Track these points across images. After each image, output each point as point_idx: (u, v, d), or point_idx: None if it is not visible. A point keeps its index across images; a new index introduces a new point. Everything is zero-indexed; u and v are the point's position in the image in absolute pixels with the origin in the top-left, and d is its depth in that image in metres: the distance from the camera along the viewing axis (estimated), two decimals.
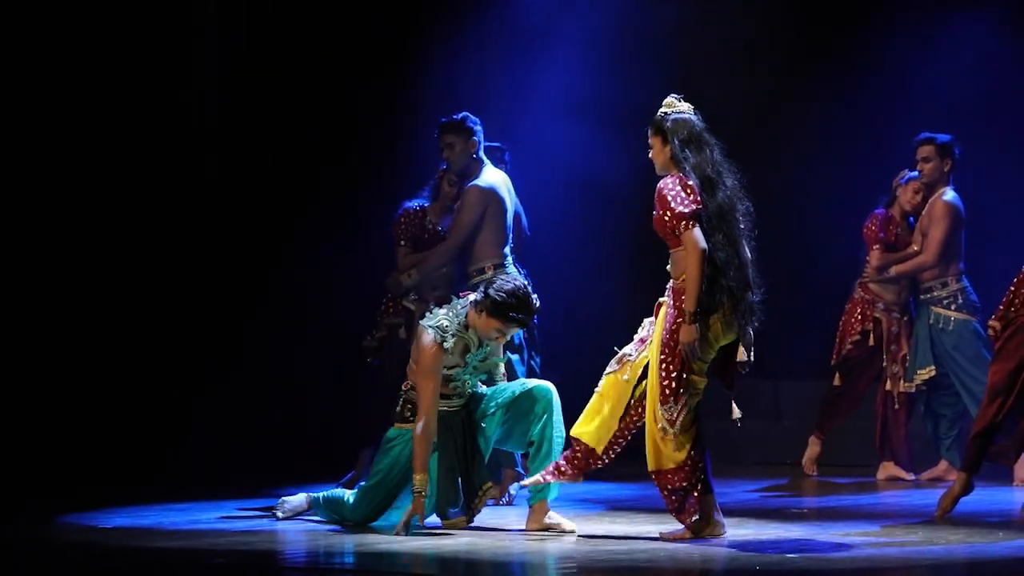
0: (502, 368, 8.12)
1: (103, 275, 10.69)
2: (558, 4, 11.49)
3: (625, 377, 7.40)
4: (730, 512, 7.67)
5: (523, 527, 7.75)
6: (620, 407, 7.42)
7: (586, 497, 9.10)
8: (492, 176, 9.15)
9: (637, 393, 7.40)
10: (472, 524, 7.83)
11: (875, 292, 10.26)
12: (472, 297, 7.82)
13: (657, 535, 7.44)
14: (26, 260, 10.48)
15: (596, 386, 7.50)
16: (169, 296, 10.98)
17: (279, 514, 8.12)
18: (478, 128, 9.13)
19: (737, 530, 7.51)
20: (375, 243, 10.11)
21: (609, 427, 7.44)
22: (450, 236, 9.23)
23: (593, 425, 7.46)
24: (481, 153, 9.18)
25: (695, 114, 7.40)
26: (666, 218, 7.19)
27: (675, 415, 7.23)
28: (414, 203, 9.55)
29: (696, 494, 7.28)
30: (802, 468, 10.38)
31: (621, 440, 7.48)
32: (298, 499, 8.18)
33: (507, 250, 9.15)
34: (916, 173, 10.13)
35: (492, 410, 7.84)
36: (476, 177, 9.12)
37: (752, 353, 7.31)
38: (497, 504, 8.80)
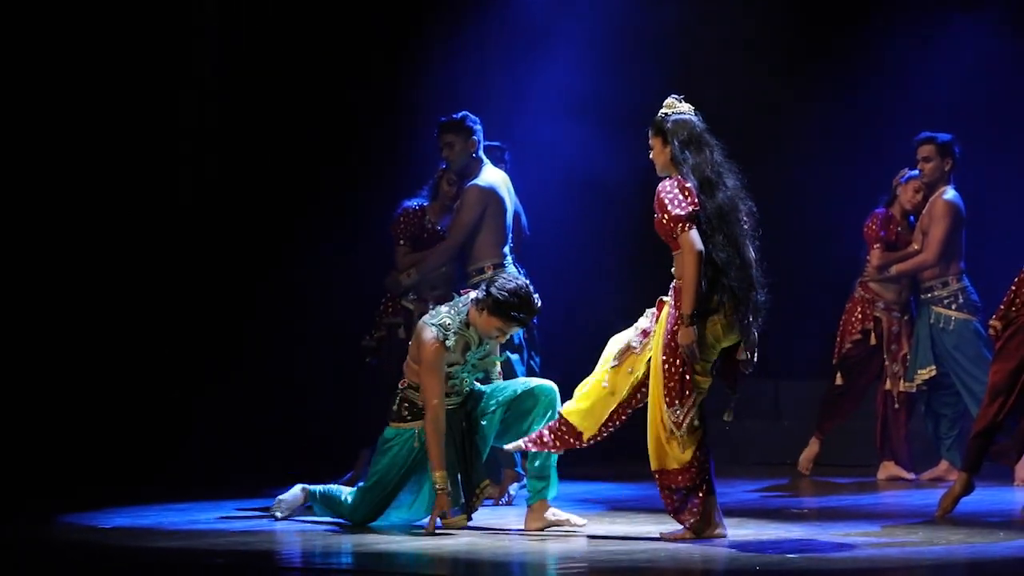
0: (498, 367, 8.12)
1: (103, 275, 10.70)
2: (558, 4, 11.48)
3: (629, 370, 7.40)
4: (730, 512, 7.67)
5: (523, 527, 7.74)
6: (615, 401, 7.41)
7: (586, 497, 9.10)
8: (492, 175, 9.14)
9: (633, 387, 7.39)
10: (471, 523, 7.83)
11: (875, 291, 10.26)
12: (473, 295, 7.82)
13: (657, 535, 7.43)
14: (27, 260, 10.48)
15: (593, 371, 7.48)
16: (169, 296, 10.98)
17: (278, 514, 8.11)
18: (478, 127, 9.12)
19: (737, 530, 7.50)
20: (374, 243, 10.10)
21: (599, 418, 7.44)
22: (449, 236, 9.22)
23: (585, 411, 7.45)
24: (481, 152, 9.18)
25: (696, 115, 7.40)
26: (663, 220, 7.19)
27: (681, 417, 7.23)
28: (413, 202, 9.55)
29: (700, 495, 7.27)
30: (797, 466, 10.38)
31: (610, 429, 7.49)
32: (293, 493, 8.16)
33: (507, 250, 9.14)
34: (916, 172, 10.13)
35: (492, 408, 7.84)
36: (476, 176, 9.12)
37: (756, 353, 7.30)
38: (497, 504, 8.79)
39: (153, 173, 10.96)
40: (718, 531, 7.33)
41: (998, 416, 8.03)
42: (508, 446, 7.76)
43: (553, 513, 7.73)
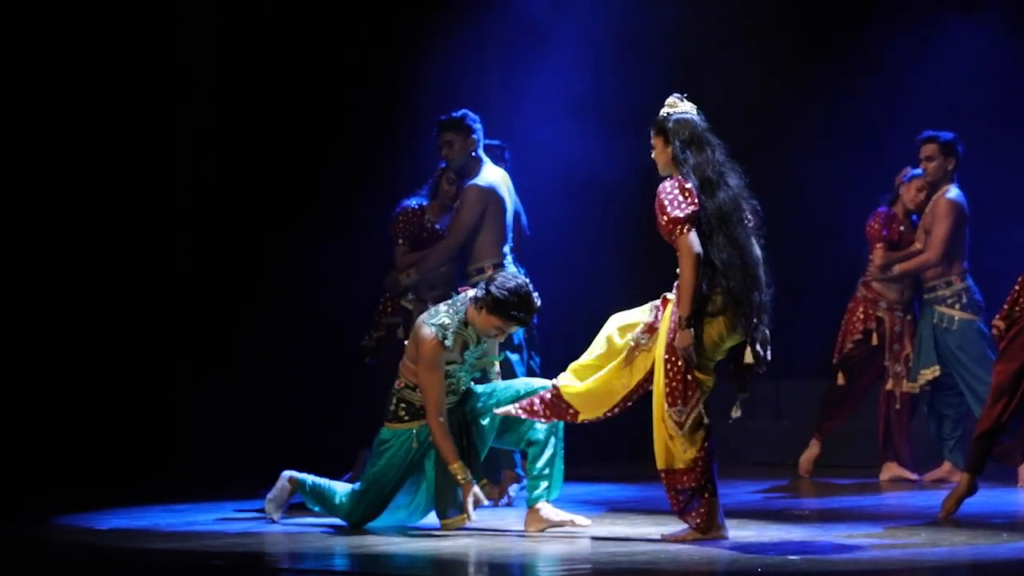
0: (497, 367, 8.09)
1: (102, 275, 10.70)
2: (558, 3, 11.47)
3: (632, 366, 7.38)
4: (732, 513, 7.64)
5: (523, 528, 7.72)
6: (617, 396, 7.40)
7: (586, 498, 9.09)
8: (492, 175, 9.12)
9: (637, 383, 7.37)
10: (470, 524, 7.80)
11: (878, 291, 10.23)
12: (471, 293, 7.79)
13: (658, 536, 7.41)
14: (25, 260, 10.48)
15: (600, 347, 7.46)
16: (167, 296, 10.97)
17: (274, 516, 8.07)
18: (477, 126, 9.10)
19: (739, 531, 7.48)
20: (374, 242, 10.08)
21: (599, 406, 7.43)
22: (449, 235, 9.20)
23: (585, 394, 7.43)
24: (480, 151, 9.15)
25: (698, 114, 7.37)
26: (663, 222, 7.17)
27: (684, 417, 7.21)
28: (412, 202, 9.53)
29: (706, 495, 7.25)
30: (798, 467, 10.36)
31: (607, 416, 7.48)
32: (280, 486, 8.06)
33: (507, 249, 9.12)
34: (919, 171, 10.11)
35: (492, 407, 7.81)
36: (475, 175, 9.09)
37: (769, 351, 7.27)
38: (497, 505, 8.77)
39: (153, 173, 10.97)
40: (720, 532, 7.31)
41: (1001, 417, 8.00)
42: (498, 410, 7.74)
43: (555, 514, 7.71)
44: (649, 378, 7.34)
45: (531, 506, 7.74)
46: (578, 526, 7.68)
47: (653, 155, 7.40)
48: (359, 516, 7.89)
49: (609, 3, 11.46)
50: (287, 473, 8.09)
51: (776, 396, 11.49)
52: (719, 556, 6.97)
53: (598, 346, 7.46)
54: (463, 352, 7.79)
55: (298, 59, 11.31)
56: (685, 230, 7.12)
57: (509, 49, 11.62)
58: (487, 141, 9.26)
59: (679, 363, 7.19)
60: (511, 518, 8.15)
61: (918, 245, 10.10)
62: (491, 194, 9.07)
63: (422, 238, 9.44)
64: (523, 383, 7.90)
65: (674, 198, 7.18)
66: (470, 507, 7.63)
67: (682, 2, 11.45)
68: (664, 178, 7.33)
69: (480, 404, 7.86)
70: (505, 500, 8.85)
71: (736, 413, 7.38)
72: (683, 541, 7.27)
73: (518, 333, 8.94)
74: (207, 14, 11.20)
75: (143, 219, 10.88)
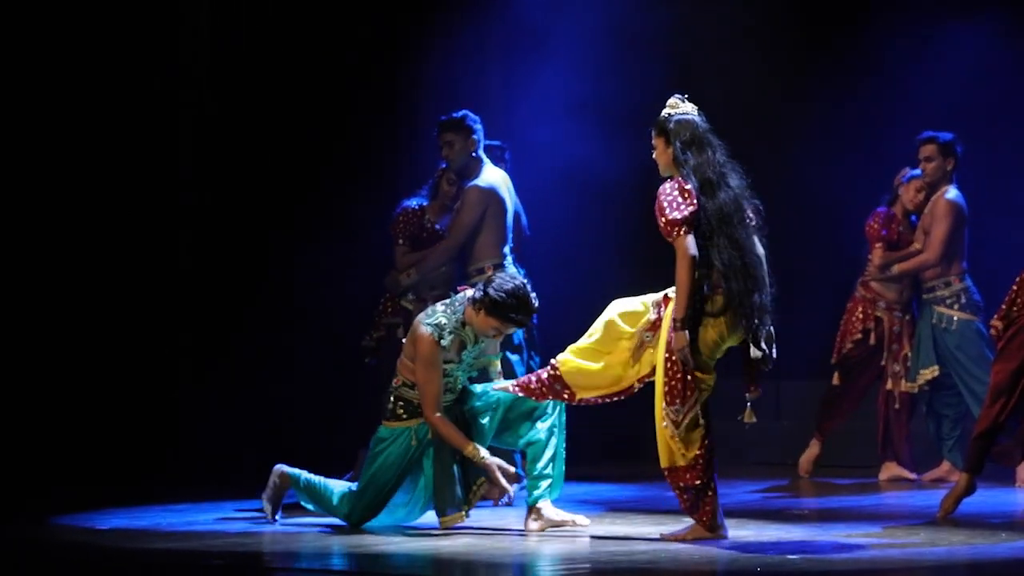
0: (498, 366, 8.10)
1: (102, 275, 10.69)
2: (558, 3, 11.47)
3: (636, 361, 7.41)
4: (731, 513, 7.65)
5: (523, 527, 7.72)
6: (617, 388, 7.45)
7: (586, 498, 9.09)
8: (492, 175, 9.12)
9: (638, 378, 7.40)
10: (469, 523, 7.82)
11: (877, 291, 10.24)
12: (470, 293, 7.80)
13: (658, 536, 7.42)
14: (25, 260, 10.48)
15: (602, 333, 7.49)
16: (168, 296, 10.97)
17: (272, 515, 8.06)
18: (478, 126, 9.11)
19: (738, 531, 7.49)
20: (374, 242, 10.09)
21: (596, 387, 7.48)
22: (450, 236, 9.21)
23: (584, 377, 7.47)
24: (481, 152, 9.16)
25: (699, 115, 7.38)
26: (661, 224, 7.19)
27: (680, 417, 7.22)
28: (413, 202, 9.54)
29: (709, 493, 7.26)
30: (798, 467, 10.36)
31: (604, 402, 7.54)
32: (272, 484, 8.03)
33: (507, 250, 9.13)
34: (918, 171, 10.12)
35: (493, 407, 7.82)
36: (476, 176, 9.10)
37: (774, 349, 7.29)
38: (497, 504, 8.77)
39: (153, 172, 10.96)
40: (719, 532, 7.32)
41: (1000, 417, 8.02)
42: (496, 385, 7.80)
43: (556, 513, 7.71)
44: (653, 372, 7.38)
45: (531, 506, 7.74)
46: (578, 526, 7.69)
47: (654, 155, 7.42)
48: (358, 516, 7.89)
49: (609, 3, 11.46)
50: (278, 467, 8.06)
51: (776, 396, 11.49)
52: (718, 555, 6.98)
53: (598, 330, 7.49)
54: (460, 352, 7.80)
55: (298, 59, 11.31)
56: (682, 232, 7.14)
57: (509, 49, 11.63)
58: (487, 142, 9.27)
59: (679, 362, 7.21)
60: (511, 518, 8.16)
61: (917, 245, 10.11)
62: (492, 195, 9.08)
63: (422, 238, 9.45)
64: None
65: (673, 199, 7.20)
66: (503, 483, 7.61)
67: (682, 2, 11.45)
68: (665, 179, 7.35)
69: (478, 403, 7.86)
70: (505, 500, 8.84)
71: (751, 419, 7.40)
72: (682, 540, 7.29)
73: (518, 333, 8.95)
74: (207, 14, 11.20)
75: (143, 219, 10.88)
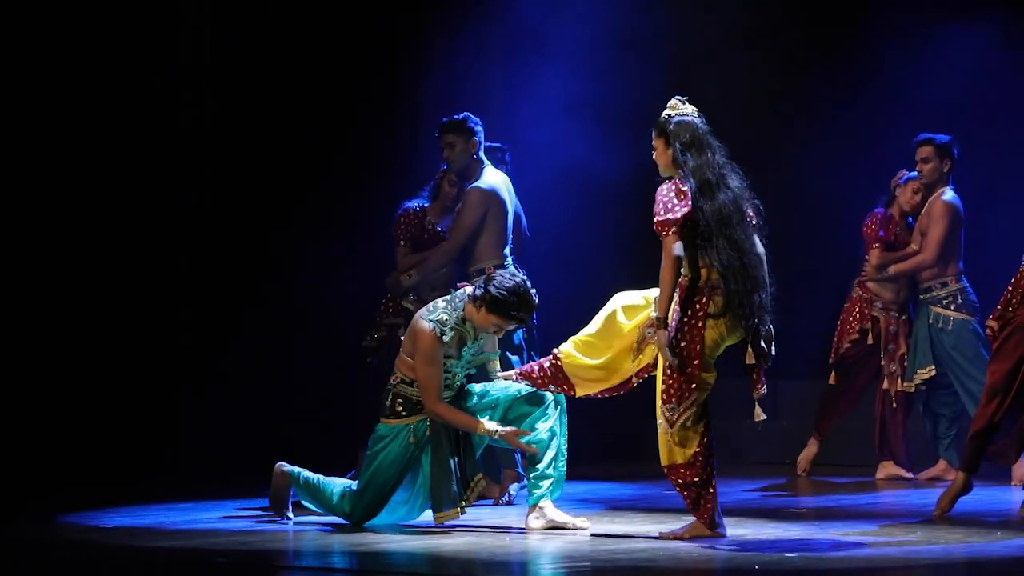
0: (497, 365, 8.13)
1: (103, 275, 10.70)
2: (558, 5, 11.49)
3: (638, 356, 7.46)
4: (729, 512, 7.68)
5: (523, 527, 7.75)
6: (620, 377, 7.54)
7: (585, 497, 9.11)
8: (493, 177, 9.15)
9: (636, 372, 7.45)
10: (470, 522, 7.85)
11: (873, 291, 10.28)
12: (470, 290, 7.83)
13: (656, 535, 7.44)
14: (26, 260, 10.49)
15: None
16: (169, 296, 10.98)
17: (281, 515, 8.08)
18: (479, 128, 9.13)
19: (736, 529, 7.52)
20: (375, 243, 10.11)
21: (597, 382, 7.58)
22: (451, 237, 9.24)
23: (587, 366, 7.56)
24: (482, 154, 9.19)
25: (699, 116, 7.43)
26: (654, 223, 7.24)
27: (675, 416, 7.26)
28: (414, 203, 9.56)
29: (711, 490, 7.30)
30: (796, 466, 10.39)
31: (603, 396, 7.63)
32: (275, 485, 8.03)
33: (507, 251, 9.16)
34: (915, 173, 10.15)
35: (492, 405, 7.85)
36: (477, 178, 9.12)
37: (773, 346, 7.34)
38: (497, 504, 8.81)
39: (153, 173, 10.96)
40: (717, 531, 7.35)
41: (996, 416, 8.05)
42: (500, 374, 7.89)
43: (557, 514, 7.74)
44: (653, 367, 7.44)
45: (533, 505, 7.77)
46: (579, 529, 7.72)
47: (654, 157, 7.46)
48: (359, 515, 7.89)
49: (609, 4, 11.48)
50: (278, 466, 8.07)
51: (774, 396, 11.49)
52: (717, 553, 7.00)
53: (599, 323, 7.55)
54: (460, 348, 7.83)
55: (299, 59, 11.32)
56: (671, 233, 7.20)
57: (509, 50, 11.63)
58: (488, 143, 9.30)
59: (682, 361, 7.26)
60: (512, 516, 8.19)
61: (914, 247, 10.14)
62: (493, 196, 9.11)
63: (423, 239, 9.48)
64: (523, 384, 7.92)
65: (668, 200, 7.26)
66: (526, 446, 7.65)
67: (682, 3, 11.46)
68: (664, 179, 7.40)
69: (477, 403, 7.87)
70: (506, 499, 8.88)
71: (760, 417, 7.46)
72: (681, 538, 7.32)
73: (518, 334, 8.99)
74: (207, 14, 11.21)
75: (143, 219, 10.88)
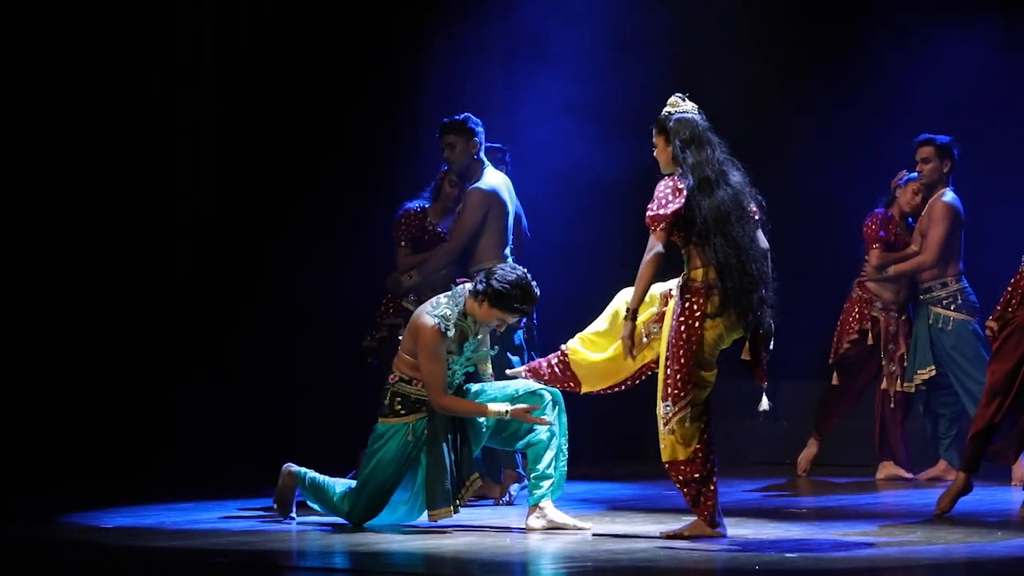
0: (490, 367, 8.13)
1: (103, 274, 10.71)
2: (558, 5, 11.49)
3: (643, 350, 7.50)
4: (729, 512, 7.69)
5: (523, 527, 7.76)
6: (624, 373, 7.55)
7: (586, 497, 9.12)
8: (493, 178, 9.16)
9: (639, 368, 7.49)
10: (470, 522, 7.85)
11: (873, 291, 10.28)
12: (470, 286, 7.84)
13: (657, 534, 7.45)
14: (26, 260, 10.49)
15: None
16: (169, 296, 10.99)
17: (285, 514, 8.08)
18: (480, 129, 9.14)
19: (736, 530, 7.52)
20: (375, 243, 10.12)
21: (603, 379, 7.61)
22: (451, 238, 9.24)
23: (593, 363, 7.59)
24: (482, 154, 9.19)
25: (699, 113, 7.44)
26: (647, 216, 7.25)
27: (670, 414, 7.27)
28: (415, 204, 9.56)
29: (712, 487, 7.31)
30: (796, 466, 10.40)
31: (608, 393, 7.67)
32: (282, 484, 8.04)
33: (507, 251, 9.16)
34: (915, 174, 10.16)
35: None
36: (477, 179, 9.13)
37: (771, 341, 7.35)
38: (497, 504, 8.81)
39: (153, 173, 10.97)
40: (718, 529, 7.36)
41: (995, 416, 8.06)
42: (509, 371, 7.96)
43: (558, 515, 7.74)
44: (652, 364, 7.45)
45: (533, 505, 7.78)
46: (580, 530, 7.72)
47: (655, 153, 7.47)
48: (359, 514, 7.88)
49: (609, 4, 11.48)
50: (286, 466, 8.07)
51: (774, 396, 11.47)
52: (717, 553, 7.00)
53: (605, 319, 7.57)
54: (461, 345, 7.83)
55: (299, 60, 11.32)
56: (659, 229, 7.23)
57: (509, 51, 11.63)
58: (488, 144, 9.31)
59: (675, 361, 7.26)
60: (512, 517, 8.19)
61: (914, 247, 10.15)
62: (493, 197, 9.11)
63: (424, 240, 9.48)
64: (521, 383, 7.92)
65: (664, 196, 7.29)
66: (539, 419, 7.67)
67: (682, 3, 11.47)
68: (665, 176, 7.42)
69: (480, 400, 7.88)
70: (506, 499, 8.89)
71: (765, 406, 7.48)
72: (681, 538, 7.32)
73: (518, 334, 8.99)
74: (207, 14, 11.22)
75: (143, 219, 10.89)
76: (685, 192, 7.24)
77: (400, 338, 9.26)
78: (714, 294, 7.26)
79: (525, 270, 7.83)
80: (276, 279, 11.17)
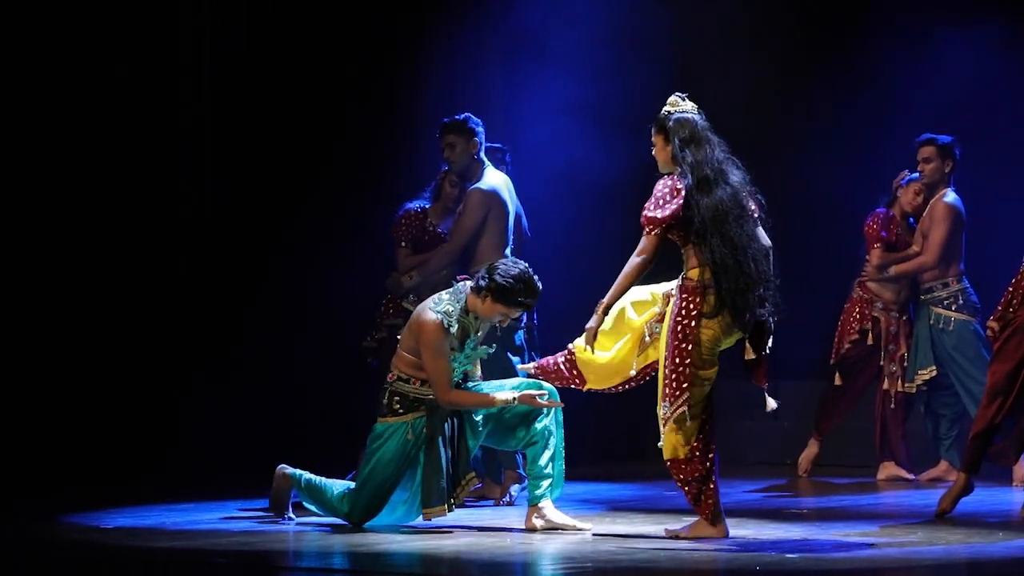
0: (479, 371, 8.12)
1: (103, 275, 10.70)
2: (558, 5, 11.49)
3: (645, 350, 7.50)
4: (730, 512, 7.68)
5: (524, 527, 7.75)
6: (628, 371, 7.57)
7: (586, 497, 9.12)
8: (494, 178, 9.16)
9: (642, 368, 7.50)
10: (470, 523, 7.85)
11: (874, 291, 10.28)
12: (471, 282, 7.84)
13: (658, 534, 7.45)
14: (26, 261, 10.49)
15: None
16: (170, 296, 10.98)
17: (282, 516, 8.08)
18: (480, 129, 9.14)
19: (737, 530, 7.53)
20: (375, 244, 10.11)
21: (609, 377, 7.63)
22: (452, 239, 9.24)
23: (598, 362, 7.60)
24: (482, 154, 9.19)
25: (698, 113, 7.43)
26: (642, 216, 7.25)
27: (668, 413, 7.27)
28: (415, 204, 9.57)
29: (712, 486, 7.30)
30: (797, 467, 10.40)
31: (612, 392, 7.69)
32: (276, 487, 8.04)
33: (508, 252, 9.16)
34: (916, 174, 10.16)
35: None
36: (478, 179, 9.13)
37: (770, 339, 7.35)
38: (498, 504, 8.81)
39: (152, 173, 10.96)
40: (719, 528, 7.36)
41: (996, 417, 8.06)
42: (521, 366, 8.01)
43: (557, 515, 7.74)
44: (654, 364, 7.46)
45: (533, 505, 7.77)
46: (580, 530, 7.71)
47: (654, 153, 7.47)
48: (358, 515, 7.88)
49: (609, 4, 11.48)
50: (280, 468, 8.07)
51: (775, 396, 11.47)
52: (718, 554, 7.01)
53: (610, 319, 7.57)
54: (463, 342, 7.83)
55: (299, 60, 11.32)
56: (652, 232, 7.25)
57: (509, 51, 11.63)
58: (488, 144, 9.30)
59: (673, 361, 7.26)
60: (512, 517, 8.19)
61: (915, 248, 10.15)
62: (494, 197, 9.11)
63: (424, 240, 9.48)
64: (520, 383, 7.91)
65: (662, 196, 7.29)
66: (544, 401, 7.68)
67: (682, 3, 11.46)
68: (664, 175, 7.42)
69: None
70: (507, 499, 8.89)
71: (772, 405, 7.49)
72: (682, 537, 7.32)
73: (519, 335, 8.99)
74: (207, 14, 11.21)
75: (143, 219, 10.89)
76: (683, 192, 7.24)
77: (399, 338, 9.32)
78: (710, 294, 7.26)
79: (527, 264, 7.84)
80: (276, 279, 11.17)
